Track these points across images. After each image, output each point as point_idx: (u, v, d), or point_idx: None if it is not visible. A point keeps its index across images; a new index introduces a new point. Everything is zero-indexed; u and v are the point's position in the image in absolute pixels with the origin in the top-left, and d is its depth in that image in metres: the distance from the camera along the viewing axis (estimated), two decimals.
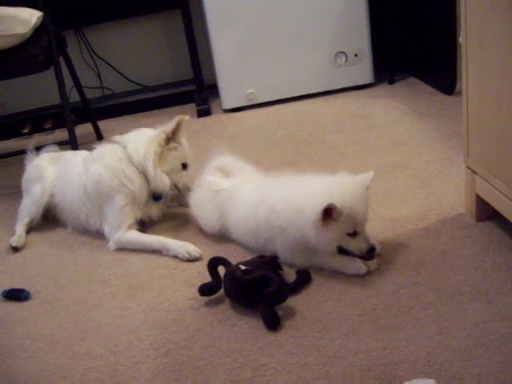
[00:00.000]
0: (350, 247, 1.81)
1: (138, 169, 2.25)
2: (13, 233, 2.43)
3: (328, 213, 1.73)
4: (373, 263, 1.83)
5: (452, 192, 2.20)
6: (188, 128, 2.38)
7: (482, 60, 1.78)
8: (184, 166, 2.30)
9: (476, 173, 1.93)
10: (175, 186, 2.32)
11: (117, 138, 2.35)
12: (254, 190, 2.05)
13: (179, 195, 2.43)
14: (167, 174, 2.28)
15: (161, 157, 2.24)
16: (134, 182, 2.25)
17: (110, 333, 1.78)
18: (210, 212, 2.13)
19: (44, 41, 2.80)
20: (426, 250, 1.89)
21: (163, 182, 2.26)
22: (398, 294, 1.71)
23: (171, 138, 2.25)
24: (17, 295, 2.03)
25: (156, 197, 2.31)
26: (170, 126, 2.23)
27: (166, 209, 2.42)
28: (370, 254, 1.81)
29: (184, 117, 2.25)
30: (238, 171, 2.17)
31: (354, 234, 1.79)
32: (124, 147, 2.28)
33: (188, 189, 2.28)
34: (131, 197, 2.25)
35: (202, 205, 2.18)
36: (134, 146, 2.26)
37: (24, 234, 2.42)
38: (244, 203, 2.04)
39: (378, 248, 1.88)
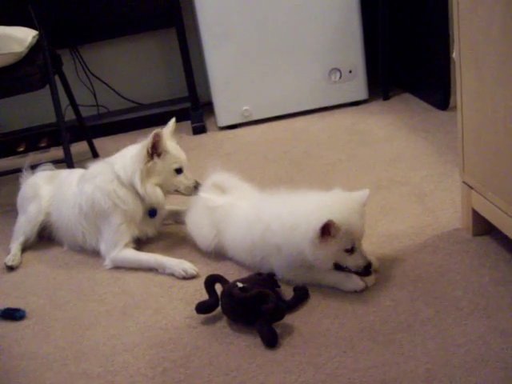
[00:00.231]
0: (347, 263, 1.81)
1: (129, 188, 2.24)
2: (8, 251, 2.41)
3: (326, 229, 1.72)
4: (370, 279, 1.83)
5: (448, 207, 2.20)
6: (183, 145, 2.37)
7: (476, 75, 1.79)
8: (178, 171, 2.27)
9: (472, 187, 1.93)
10: (177, 192, 2.30)
11: (106, 159, 2.36)
12: (249, 207, 2.05)
13: (174, 213, 2.43)
14: (163, 184, 2.27)
15: (150, 170, 2.23)
16: (127, 202, 2.24)
17: (106, 352, 1.77)
18: (206, 229, 2.12)
19: (39, 59, 2.80)
20: (424, 266, 1.89)
21: (156, 196, 2.25)
22: (396, 310, 1.71)
23: (154, 152, 2.22)
24: (12, 314, 2.01)
25: (151, 213, 2.30)
26: (147, 142, 2.21)
27: (162, 226, 2.41)
28: (366, 269, 1.81)
29: (160, 130, 2.22)
30: (233, 188, 2.16)
31: (351, 250, 1.78)
32: (112, 167, 2.28)
33: (193, 190, 2.26)
34: (126, 215, 2.25)
35: (197, 222, 2.17)
36: (121, 167, 2.26)
37: (19, 253, 2.40)
38: (239, 221, 2.03)
39: (375, 264, 1.88)
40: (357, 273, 1.82)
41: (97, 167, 2.34)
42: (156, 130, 2.20)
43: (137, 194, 2.24)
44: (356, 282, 1.81)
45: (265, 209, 1.96)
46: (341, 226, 1.73)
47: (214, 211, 2.11)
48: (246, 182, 2.21)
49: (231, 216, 2.07)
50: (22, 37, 2.73)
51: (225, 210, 2.09)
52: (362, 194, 1.85)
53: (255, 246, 1.95)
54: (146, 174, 2.22)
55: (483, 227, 1.96)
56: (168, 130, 2.33)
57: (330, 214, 1.73)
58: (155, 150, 2.22)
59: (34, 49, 2.81)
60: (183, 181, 2.28)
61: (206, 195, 2.17)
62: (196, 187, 2.26)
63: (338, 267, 1.82)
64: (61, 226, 2.40)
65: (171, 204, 2.40)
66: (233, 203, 2.10)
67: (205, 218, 2.13)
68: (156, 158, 2.23)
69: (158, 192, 2.25)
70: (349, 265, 1.81)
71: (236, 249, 2.05)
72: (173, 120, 2.37)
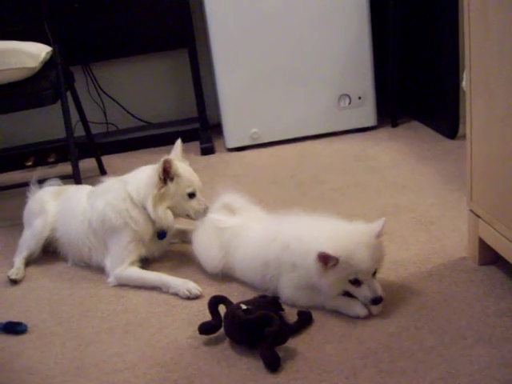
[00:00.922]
0: (355, 293, 1.81)
1: (141, 209, 2.24)
2: (11, 265, 2.41)
3: (323, 259, 1.73)
4: (376, 308, 1.81)
5: (455, 235, 2.20)
6: (192, 166, 2.37)
7: (487, 104, 1.80)
8: (191, 196, 2.27)
9: (479, 216, 1.93)
10: (187, 216, 2.30)
11: (119, 177, 2.36)
12: (262, 228, 2.05)
13: (181, 232, 2.43)
14: (174, 208, 2.27)
15: (163, 195, 2.23)
16: (138, 222, 2.24)
17: (107, 369, 1.76)
18: (214, 251, 2.11)
19: (52, 75, 2.83)
20: (429, 294, 1.88)
21: (167, 220, 2.25)
22: (400, 338, 1.69)
23: (166, 177, 2.22)
24: (14, 328, 2.00)
25: (161, 235, 2.30)
26: (158, 169, 2.21)
27: (169, 246, 2.40)
28: (374, 302, 1.79)
29: (169, 157, 2.22)
30: (243, 210, 2.16)
31: (356, 282, 1.78)
32: (126, 187, 2.28)
33: (202, 215, 2.26)
34: (136, 235, 2.25)
35: (205, 243, 2.16)
36: (134, 187, 2.26)
37: (22, 267, 2.40)
38: (252, 241, 2.03)
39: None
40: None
41: (109, 184, 2.35)
42: (165, 157, 2.20)
43: (148, 215, 2.24)
44: (359, 309, 1.81)
45: (282, 229, 1.96)
46: (340, 258, 1.73)
47: (223, 232, 2.10)
48: (254, 205, 2.21)
49: (242, 236, 2.06)
50: (36, 52, 2.75)
51: (235, 231, 2.08)
52: (374, 226, 1.83)
53: (268, 266, 1.94)
54: (159, 198, 2.23)
55: (489, 257, 1.95)
56: (176, 152, 2.33)
57: (331, 244, 1.75)
58: (167, 175, 2.22)
59: (48, 64, 2.83)
60: (195, 206, 2.27)
61: (215, 216, 2.16)
62: (205, 211, 2.26)
63: (347, 293, 1.82)
64: (67, 242, 2.40)
65: (178, 223, 2.39)
66: (243, 224, 2.10)
67: (213, 240, 2.12)
68: (169, 183, 2.23)
69: (169, 216, 2.25)
70: (356, 295, 1.81)
71: (246, 268, 2.04)
72: (178, 141, 2.37)
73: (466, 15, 1.84)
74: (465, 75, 1.95)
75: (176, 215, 2.29)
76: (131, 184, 2.28)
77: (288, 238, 1.91)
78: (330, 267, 1.75)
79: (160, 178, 2.21)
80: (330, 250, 1.72)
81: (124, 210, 2.24)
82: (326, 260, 1.74)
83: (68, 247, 2.41)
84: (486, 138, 1.83)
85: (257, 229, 2.06)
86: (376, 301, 1.78)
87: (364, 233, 1.81)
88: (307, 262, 1.80)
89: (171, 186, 2.23)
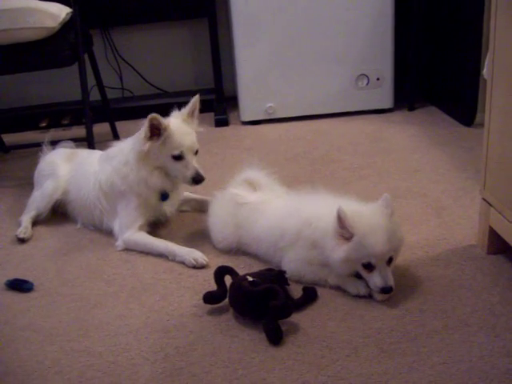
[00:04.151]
0: (366, 279, 1.79)
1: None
2: (19, 224, 2.42)
3: (340, 220, 1.73)
4: (382, 296, 1.79)
5: (465, 223, 2.19)
6: (205, 137, 2.36)
7: (507, 94, 1.77)
8: (177, 158, 2.18)
9: (491, 205, 1.92)
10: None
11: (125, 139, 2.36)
12: (284, 202, 2.04)
13: (194, 201, 2.44)
14: (166, 169, 2.21)
15: (148, 154, 2.17)
16: (140, 185, 2.23)
17: (110, 332, 1.77)
18: (228, 230, 2.10)
19: (71, 37, 2.82)
20: (435, 279, 1.88)
21: (151, 180, 2.21)
22: (403, 320, 1.70)
23: (154, 136, 2.14)
24: (20, 286, 2.02)
25: (163, 197, 2.29)
26: (145, 125, 2.13)
27: (179, 212, 2.41)
28: (382, 291, 1.76)
29: (155, 114, 2.12)
30: (265, 186, 2.13)
31: (369, 267, 1.76)
32: (125, 149, 2.27)
33: (190, 181, 2.19)
34: (141, 198, 2.25)
35: (221, 220, 2.14)
36: (129, 147, 2.25)
37: (30, 226, 2.41)
38: (272, 213, 2.01)
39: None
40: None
41: (117, 148, 2.34)
42: (151, 114, 2.12)
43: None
44: (361, 287, 1.81)
45: (305, 205, 1.95)
46: (354, 235, 1.73)
47: (241, 208, 2.08)
48: (274, 181, 2.18)
49: (262, 210, 2.04)
50: (56, 12, 2.74)
51: (254, 206, 2.06)
52: (386, 207, 1.79)
53: (283, 236, 1.93)
54: (144, 157, 2.18)
55: (499, 246, 1.94)
56: (187, 108, 2.27)
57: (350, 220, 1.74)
58: (157, 132, 2.14)
59: (67, 26, 2.82)
60: (181, 169, 2.20)
61: (236, 191, 2.13)
62: (195, 179, 2.19)
63: (358, 276, 1.82)
64: (78, 204, 2.41)
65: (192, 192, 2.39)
66: (264, 200, 2.08)
67: (230, 217, 2.10)
68: (155, 141, 2.14)
69: (155, 176, 2.21)
70: (367, 280, 1.79)
71: (261, 240, 2.02)
72: (195, 97, 2.29)
73: (493, 3, 1.81)
74: (486, 63, 1.92)
75: (172, 178, 2.24)
76: (127, 144, 2.27)
77: (311, 216, 1.89)
78: (344, 240, 1.74)
79: (145, 136, 2.14)
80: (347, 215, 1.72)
81: (126, 175, 2.23)
82: (342, 222, 1.72)
83: (79, 210, 2.42)
84: (504, 127, 1.81)
85: (278, 203, 2.05)
86: (385, 290, 1.75)
87: (382, 215, 1.78)
88: (326, 240, 1.79)
89: (155, 143, 2.15)
